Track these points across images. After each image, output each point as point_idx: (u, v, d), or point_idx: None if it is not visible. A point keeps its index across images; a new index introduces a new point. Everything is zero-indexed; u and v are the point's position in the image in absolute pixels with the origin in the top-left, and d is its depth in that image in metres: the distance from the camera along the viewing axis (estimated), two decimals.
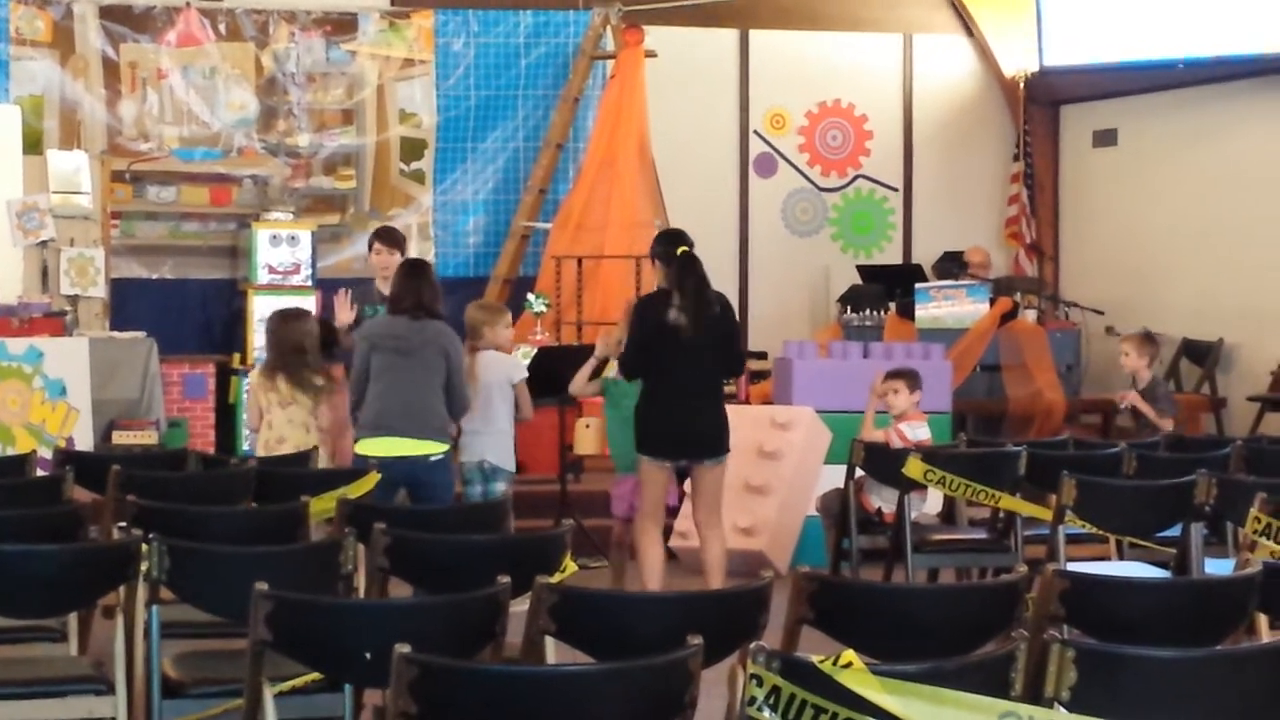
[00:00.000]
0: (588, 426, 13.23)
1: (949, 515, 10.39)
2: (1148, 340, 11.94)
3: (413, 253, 15.67)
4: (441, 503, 9.28)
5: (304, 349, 10.09)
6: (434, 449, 9.32)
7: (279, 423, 10.05)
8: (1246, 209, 15.90)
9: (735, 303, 16.64)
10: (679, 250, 9.42)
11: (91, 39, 15.23)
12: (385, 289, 10.71)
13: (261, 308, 14.58)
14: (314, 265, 14.87)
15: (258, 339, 14.51)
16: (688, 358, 9.34)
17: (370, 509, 7.36)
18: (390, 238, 11.56)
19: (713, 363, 9.52)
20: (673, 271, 9.40)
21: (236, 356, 14.59)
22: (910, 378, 10.63)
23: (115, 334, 13.60)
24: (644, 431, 9.45)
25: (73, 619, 7.08)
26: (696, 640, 4.52)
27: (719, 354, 9.51)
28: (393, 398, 9.34)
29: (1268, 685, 4.73)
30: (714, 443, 9.51)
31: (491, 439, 10.18)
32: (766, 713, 4.26)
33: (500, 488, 10.07)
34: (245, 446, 14.13)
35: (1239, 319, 15.85)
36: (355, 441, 9.51)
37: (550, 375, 11.30)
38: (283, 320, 10.31)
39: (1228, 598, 5.87)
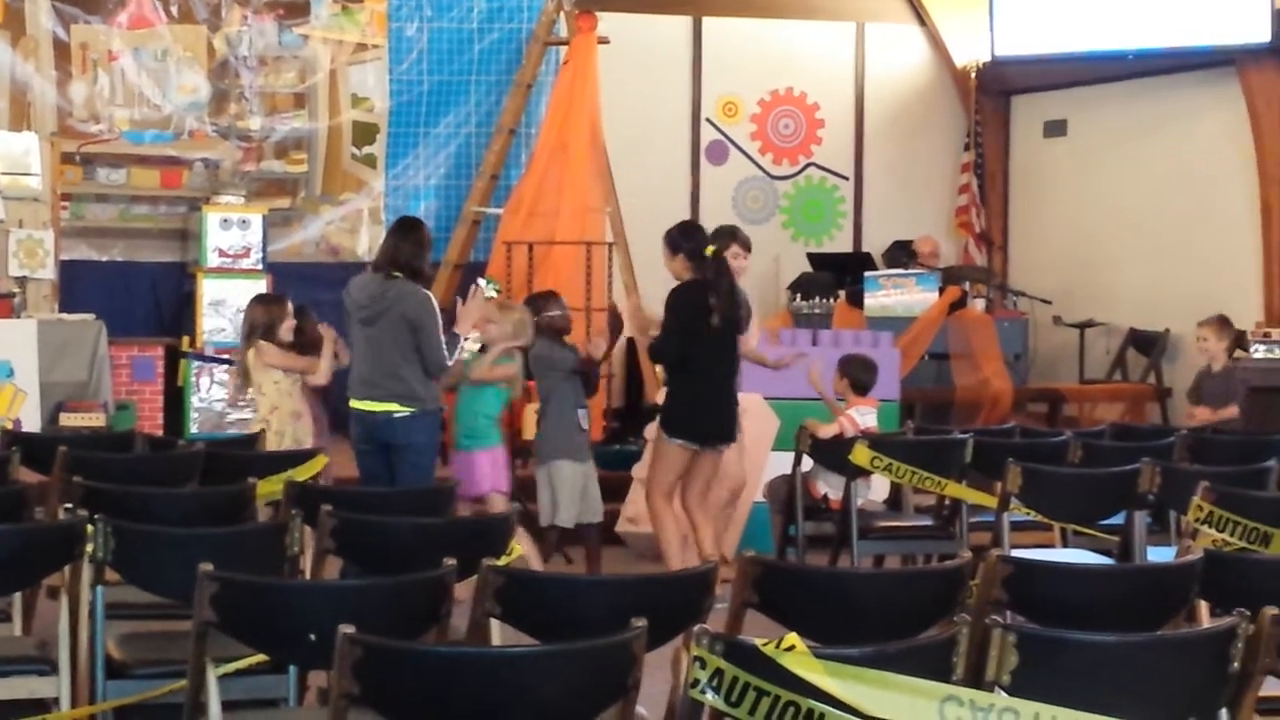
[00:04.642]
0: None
1: (895, 502, 10.45)
2: (1226, 324, 12.01)
3: (362, 238, 15.74)
4: (416, 466, 9.44)
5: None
6: (394, 408, 9.41)
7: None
8: (1194, 200, 15.98)
9: None
10: (708, 249, 9.97)
11: (42, 20, 15.15)
12: None
13: (211, 291, 14.58)
14: (264, 249, 14.83)
15: (207, 322, 14.53)
16: (717, 350, 9.98)
17: (317, 491, 7.37)
18: (747, 242, 10.99)
19: (733, 355, 10.13)
20: (706, 269, 9.94)
21: (186, 339, 14.55)
22: (841, 367, 10.68)
23: (64, 316, 13.58)
24: (682, 418, 10.00)
25: (17, 599, 7.06)
26: (640, 623, 4.54)
27: (731, 345, 10.12)
28: (359, 367, 9.61)
29: (1206, 670, 4.78)
30: (731, 430, 10.17)
31: None
32: (709, 695, 4.28)
33: None
34: (194, 429, 14.13)
35: (1186, 310, 15.85)
36: None
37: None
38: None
39: (1169, 584, 5.92)
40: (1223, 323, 11.98)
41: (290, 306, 10.40)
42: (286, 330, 10.29)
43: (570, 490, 10.32)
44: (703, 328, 9.89)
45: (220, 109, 15.65)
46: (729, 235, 10.72)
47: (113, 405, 13.30)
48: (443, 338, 9.41)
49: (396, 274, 9.47)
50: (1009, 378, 15.12)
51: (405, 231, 9.74)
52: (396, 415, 9.41)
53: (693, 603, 5.37)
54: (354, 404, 9.59)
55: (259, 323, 10.30)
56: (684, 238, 10.13)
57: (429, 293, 9.61)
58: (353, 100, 15.96)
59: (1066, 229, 17.35)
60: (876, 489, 10.49)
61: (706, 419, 10.04)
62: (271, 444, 9.82)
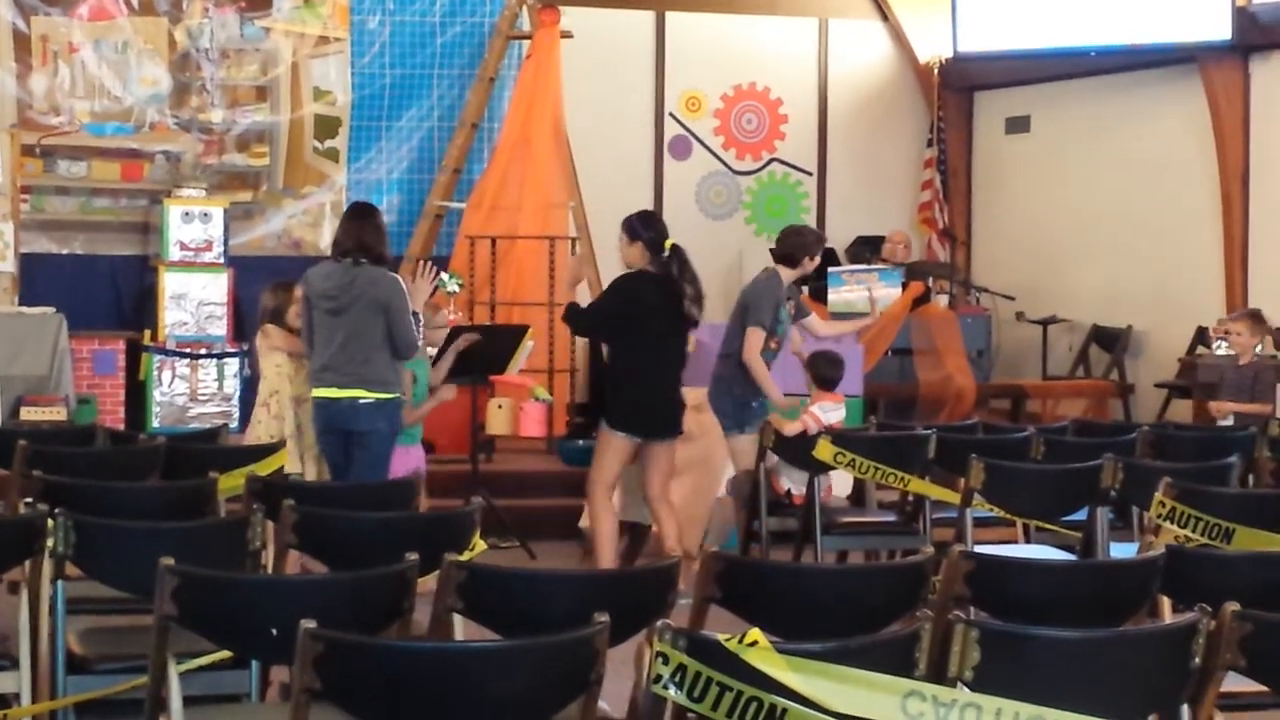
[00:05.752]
0: (500, 407, 13.25)
1: (859, 498, 10.44)
2: (1260, 320, 12.04)
3: (324, 232, 15.68)
4: (373, 454, 9.41)
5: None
6: (361, 394, 9.38)
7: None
8: (1156, 197, 16.03)
9: None
10: (668, 241, 9.93)
11: (2, 11, 15.06)
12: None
13: (173, 284, 14.54)
14: (226, 242, 14.80)
15: (169, 315, 14.48)
16: (662, 341, 9.91)
17: (280, 486, 7.34)
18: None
19: (680, 347, 10.07)
20: (662, 260, 9.90)
21: (147, 333, 14.50)
22: (807, 363, 10.65)
23: (24, 309, 13.52)
24: (621, 410, 9.95)
25: None
26: (603, 618, 4.53)
27: (684, 339, 10.10)
28: (322, 355, 9.51)
29: (1168, 665, 4.79)
30: (677, 421, 10.06)
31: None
32: (672, 690, 4.28)
33: None
34: (156, 424, 14.07)
35: (1147, 306, 15.99)
36: None
37: (462, 355, 11.29)
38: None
39: (1131, 580, 5.93)
40: (1256, 318, 12.05)
41: (300, 293, 10.29)
42: (295, 315, 10.18)
43: (624, 485, 10.29)
44: (646, 319, 9.85)
45: (181, 101, 15.58)
46: (817, 241, 10.97)
47: (74, 399, 13.26)
48: (411, 320, 9.45)
49: (362, 260, 9.45)
50: (972, 374, 15.15)
51: (363, 217, 9.72)
52: (362, 401, 9.38)
53: (656, 598, 5.36)
54: (316, 392, 9.54)
55: (267, 308, 10.26)
56: (644, 226, 10.05)
57: (397, 275, 9.65)
58: (315, 93, 15.91)
59: (1029, 225, 17.39)
60: (839, 484, 10.48)
61: (646, 410, 9.94)
62: (271, 429, 9.84)
